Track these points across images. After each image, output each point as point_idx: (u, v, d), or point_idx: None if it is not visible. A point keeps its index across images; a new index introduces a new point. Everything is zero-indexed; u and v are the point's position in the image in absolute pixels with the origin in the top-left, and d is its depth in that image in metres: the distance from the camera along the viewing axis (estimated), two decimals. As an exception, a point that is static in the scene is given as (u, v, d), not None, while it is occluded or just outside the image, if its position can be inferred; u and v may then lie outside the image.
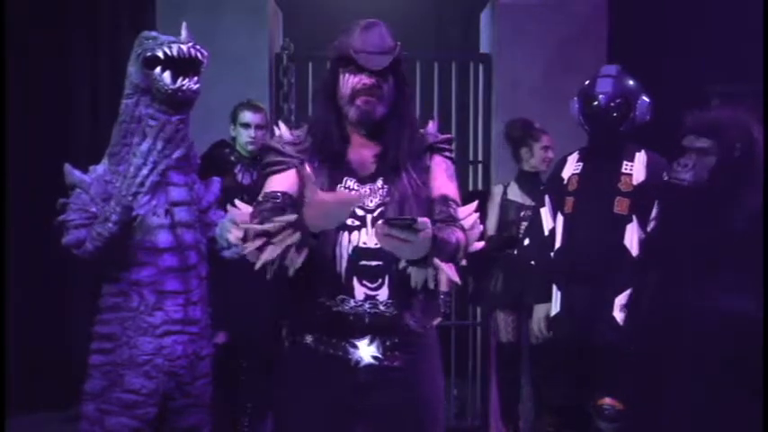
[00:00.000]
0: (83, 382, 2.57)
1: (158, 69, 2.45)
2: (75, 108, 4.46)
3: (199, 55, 2.49)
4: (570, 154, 3.23)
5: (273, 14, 4.42)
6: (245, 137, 3.48)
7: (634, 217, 2.96)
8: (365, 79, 1.96)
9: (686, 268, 2.53)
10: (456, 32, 5.37)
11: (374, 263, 1.94)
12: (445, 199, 2.04)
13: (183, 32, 2.50)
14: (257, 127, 3.49)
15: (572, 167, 3.15)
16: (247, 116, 3.49)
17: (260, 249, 1.82)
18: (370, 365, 1.97)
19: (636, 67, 3.23)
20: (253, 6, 4.19)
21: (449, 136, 2.17)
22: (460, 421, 4.38)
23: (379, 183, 2.01)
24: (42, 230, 2.54)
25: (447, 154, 2.12)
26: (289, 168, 2.01)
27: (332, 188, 1.97)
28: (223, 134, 3.60)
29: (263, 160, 2.07)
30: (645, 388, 2.73)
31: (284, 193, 1.96)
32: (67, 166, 2.54)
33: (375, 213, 1.97)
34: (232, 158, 3.48)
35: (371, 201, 1.99)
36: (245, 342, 3.32)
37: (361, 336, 1.96)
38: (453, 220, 2.00)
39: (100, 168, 2.56)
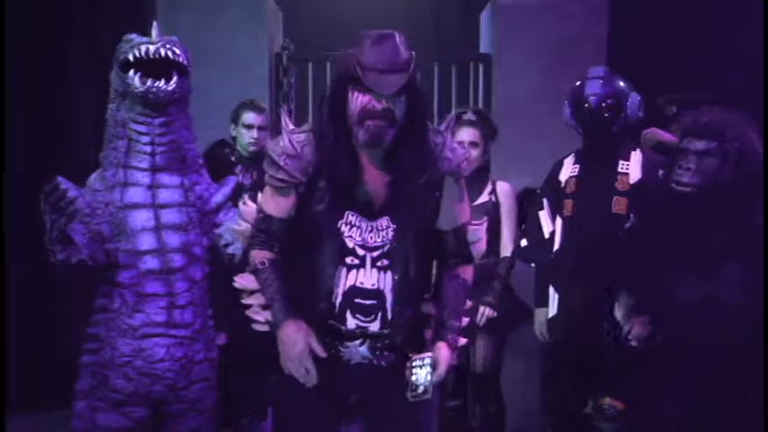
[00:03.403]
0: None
1: (131, 72, 2.42)
2: (75, 108, 4.46)
3: (170, 54, 2.41)
4: (566, 156, 3.23)
5: (273, 14, 4.42)
6: (247, 138, 3.47)
7: (632, 216, 2.97)
8: (375, 102, 1.83)
9: (697, 271, 2.53)
10: (456, 32, 5.37)
11: (368, 302, 1.95)
12: (456, 229, 2.06)
13: (154, 32, 2.45)
14: (260, 128, 3.48)
15: (569, 170, 3.15)
16: (250, 117, 3.48)
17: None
18: (361, 364, 2.00)
19: (636, 67, 3.23)
20: (253, 6, 4.19)
21: (461, 155, 2.03)
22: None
23: (384, 222, 1.95)
24: (42, 230, 2.53)
25: (460, 174, 2.02)
26: (288, 189, 1.97)
27: (333, 222, 1.93)
28: (223, 134, 3.60)
29: (266, 168, 2.01)
30: (645, 388, 2.73)
31: (281, 220, 1.99)
32: (59, 179, 2.46)
33: (374, 254, 1.95)
34: (232, 159, 3.47)
35: (372, 238, 1.95)
36: (244, 342, 3.31)
37: (352, 341, 1.99)
38: (464, 248, 2.08)
39: (93, 175, 2.58)
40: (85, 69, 4.46)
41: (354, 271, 1.94)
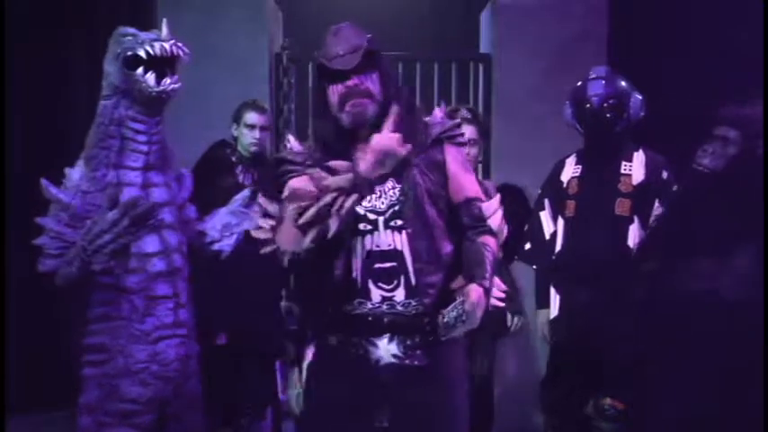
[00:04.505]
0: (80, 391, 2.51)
1: (140, 70, 2.34)
2: (74, 108, 4.45)
3: (181, 52, 2.36)
4: (567, 157, 3.22)
5: (273, 14, 4.42)
6: (248, 138, 3.46)
7: (635, 218, 2.96)
8: (348, 83, 1.96)
9: (699, 255, 2.57)
10: (456, 32, 5.37)
11: (388, 264, 1.96)
12: (468, 201, 2.04)
13: (164, 29, 2.38)
14: (261, 129, 3.48)
15: (571, 170, 3.15)
16: (253, 117, 3.47)
17: (302, 213, 1.83)
18: (390, 364, 1.99)
19: (636, 67, 3.23)
20: (253, 6, 4.19)
21: (456, 121, 2.14)
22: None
23: (389, 183, 2.00)
24: (42, 230, 2.51)
25: (459, 140, 2.09)
26: (303, 174, 2.00)
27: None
28: (223, 134, 3.59)
29: (276, 172, 2.06)
30: (645, 388, 2.74)
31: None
32: (44, 182, 2.43)
33: (387, 215, 1.98)
34: (233, 159, 3.47)
35: (382, 203, 1.99)
36: (244, 342, 3.32)
37: (380, 334, 1.98)
38: (481, 223, 2.03)
39: (76, 175, 2.45)
40: (85, 69, 4.46)
41: (369, 236, 1.97)
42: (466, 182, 2.06)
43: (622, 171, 3.03)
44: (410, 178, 1.99)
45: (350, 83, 1.96)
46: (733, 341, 2.46)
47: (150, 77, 2.34)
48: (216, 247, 2.61)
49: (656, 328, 2.71)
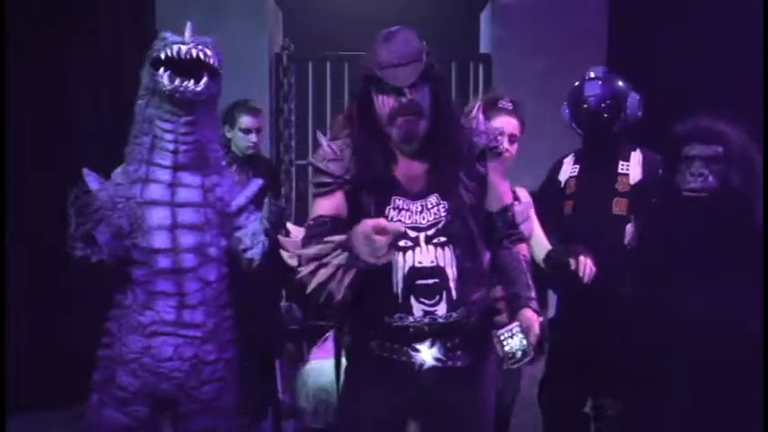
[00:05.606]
0: (83, 381, 2.62)
1: (161, 70, 2.44)
2: (75, 108, 4.46)
3: (201, 55, 2.44)
4: (565, 157, 3.22)
5: (273, 14, 4.43)
6: (245, 142, 3.45)
7: (633, 217, 2.97)
8: (401, 98, 1.88)
9: (706, 279, 2.52)
10: (456, 32, 5.38)
11: (431, 281, 1.93)
12: (505, 209, 2.04)
13: (187, 32, 2.47)
14: (257, 131, 3.47)
15: (569, 170, 3.15)
16: (248, 121, 3.46)
17: (313, 273, 1.81)
18: (433, 368, 1.98)
19: (635, 67, 3.22)
20: (253, 6, 4.20)
21: (498, 128, 2.10)
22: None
23: (433, 199, 1.96)
24: (43, 229, 2.53)
25: (499, 149, 2.04)
26: (335, 190, 1.98)
27: (380, 209, 1.94)
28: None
29: (311, 179, 2.04)
30: (645, 388, 2.74)
31: (333, 218, 1.93)
32: (85, 171, 2.54)
33: (429, 232, 1.94)
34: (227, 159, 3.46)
35: (424, 218, 1.94)
36: (245, 343, 3.32)
37: (422, 341, 1.97)
38: (516, 230, 2.03)
39: (118, 168, 2.59)
40: (85, 70, 4.47)
41: (410, 252, 1.92)
42: (503, 191, 2.06)
43: (620, 171, 3.03)
44: (456, 196, 1.95)
45: (403, 98, 1.87)
46: (732, 344, 2.46)
47: (164, 76, 2.43)
48: (248, 254, 2.64)
49: (654, 328, 2.71)
